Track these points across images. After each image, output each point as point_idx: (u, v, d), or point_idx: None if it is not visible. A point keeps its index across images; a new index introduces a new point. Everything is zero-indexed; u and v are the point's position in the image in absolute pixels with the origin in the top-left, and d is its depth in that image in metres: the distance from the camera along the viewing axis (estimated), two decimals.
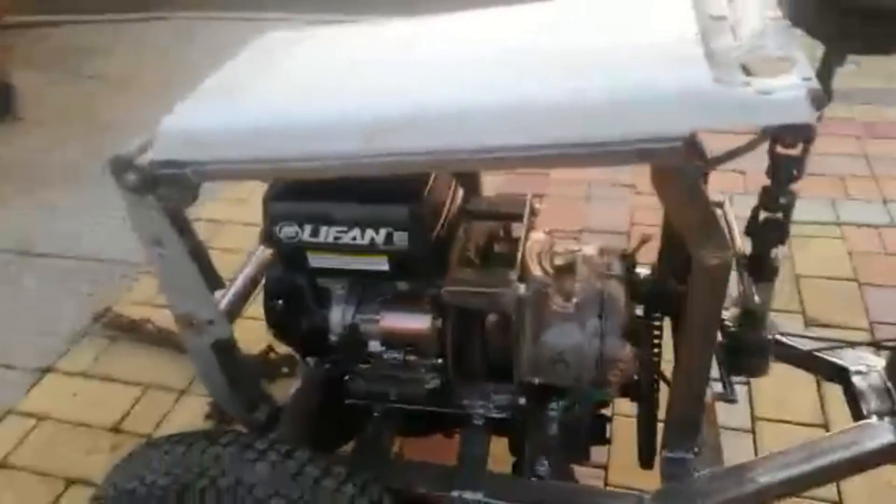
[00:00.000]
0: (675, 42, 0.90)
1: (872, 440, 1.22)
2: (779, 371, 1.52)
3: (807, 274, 2.23)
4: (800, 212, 2.67)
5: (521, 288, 1.09)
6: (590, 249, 1.28)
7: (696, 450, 1.19)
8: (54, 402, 1.93)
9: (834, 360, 1.36)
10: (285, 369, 1.92)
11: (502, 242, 1.26)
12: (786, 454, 1.22)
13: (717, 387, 1.26)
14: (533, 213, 1.28)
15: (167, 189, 0.98)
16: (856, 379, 1.32)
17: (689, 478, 1.17)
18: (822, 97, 0.81)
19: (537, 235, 1.25)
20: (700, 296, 1.03)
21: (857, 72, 3.78)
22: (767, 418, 1.77)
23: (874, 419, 1.24)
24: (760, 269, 1.13)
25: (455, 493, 1.16)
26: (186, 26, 4.73)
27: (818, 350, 1.37)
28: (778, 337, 1.37)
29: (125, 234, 2.75)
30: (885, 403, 1.26)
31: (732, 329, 1.21)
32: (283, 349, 1.88)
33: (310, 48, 1.11)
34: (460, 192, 1.30)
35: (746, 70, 0.87)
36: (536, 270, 1.17)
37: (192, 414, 1.87)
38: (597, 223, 2.56)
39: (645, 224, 2.52)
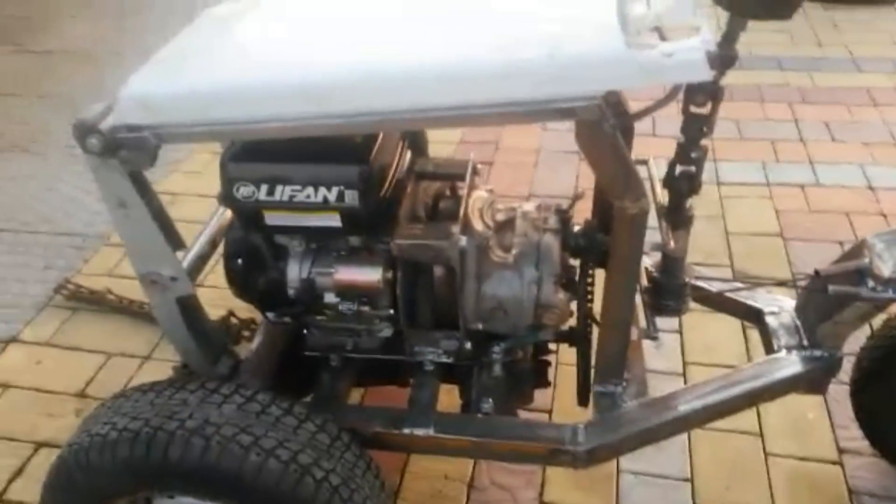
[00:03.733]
0: (594, 11, 1.00)
1: (781, 371, 1.36)
2: (707, 320, 1.66)
3: (736, 231, 2.38)
4: (732, 174, 2.85)
5: (463, 240, 1.19)
6: (528, 206, 1.38)
7: (623, 384, 1.32)
8: (19, 371, 1.97)
9: (750, 302, 1.50)
10: (246, 333, 2.00)
11: (447, 200, 1.36)
12: (704, 385, 1.36)
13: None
14: (475, 173, 1.37)
15: (128, 152, 1.04)
16: (769, 318, 1.46)
17: (618, 408, 1.30)
18: (717, 58, 0.91)
19: (480, 193, 1.34)
20: (621, 242, 1.14)
21: (789, 41, 3.95)
22: (697, 362, 1.92)
23: (783, 353, 1.39)
24: (677, 218, 1.25)
25: (406, 430, 1.27)
26: None
27: (734, 293, 1.51)
28: (697, 283, 1.51)
29: (76, 206, 2.76)
30: (794, 339, 1.41)
31: (655, 274, 1.33)
32: (243, 314, 1.95)
33: (260, 15, 1.18)
34: (408, 154, 1.39)
35: (656, 35, 0.98)
36: (478, 225, 1.27)
37: (155, 378, 1.93)
38: (544, 189, 2.67)
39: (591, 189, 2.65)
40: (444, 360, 1.34)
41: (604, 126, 1.00)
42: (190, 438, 1.04)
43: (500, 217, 1.34)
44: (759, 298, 1.51)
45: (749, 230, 2.39)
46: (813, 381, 1.39)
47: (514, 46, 0.97)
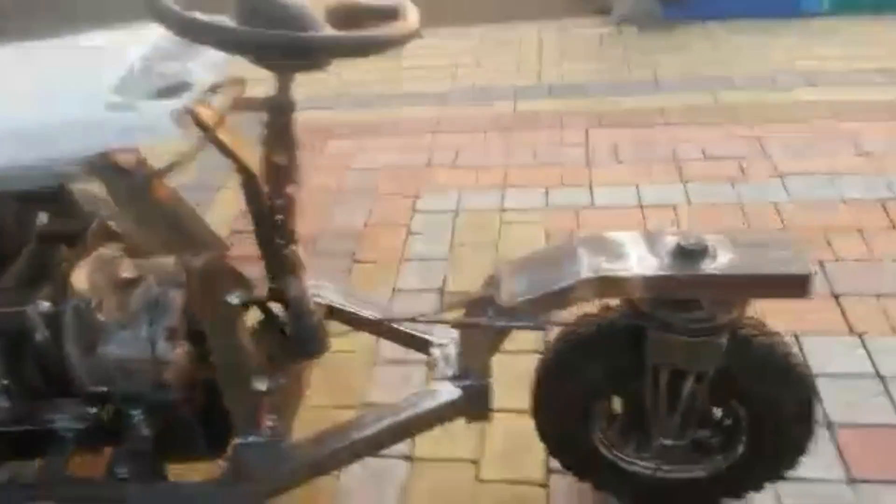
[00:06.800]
0: (97, 76, 1.00)
1: (433, 401, 1.38)
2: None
3: (506, 257, 2.42)
4: (516, 200, 2.89)
5: (45, 305, 1.16)
6: (165, 261, 1.36)
7: (265, 433, 1.31)
8: None
9: (418, 334, 1.52)
10: None
11: (63, 263, 1.32)
12: (354, 422, 1.37)
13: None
14: (96, 235, 1.35)
15: None
16: (434, 350, 1.48)
17: (257, 457, 1.28)
18: (185, 117, 0.91)
19: (102, 252, 1.32)
20: (198, 297, 1.14)
21: (599, 67, 4.02)
22: None
23: (437, 383, 1.40)
24: (280, 266, 1.25)
25: None
26: None
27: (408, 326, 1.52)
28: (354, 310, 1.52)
29: None
30: (451, 369, 1.42)
31: (283, 322, 1.33)
32: None
33: None
34: (35, 217, 1.36)
35: (155, 95, 0.98)
36: (83, 285, 1.24)
37: None
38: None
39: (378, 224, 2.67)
40: (76, 426, 1.30)
41: (135, 181, 1.00)
42: None
43: (128, 274, 1.32)
44: (434, 331, 1.53)
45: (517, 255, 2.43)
46: (469, 409, 1.41)
47: (7, 113, 0.96)
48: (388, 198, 2.85)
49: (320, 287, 1.59)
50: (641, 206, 2.64)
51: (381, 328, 1.54)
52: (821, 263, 2.17)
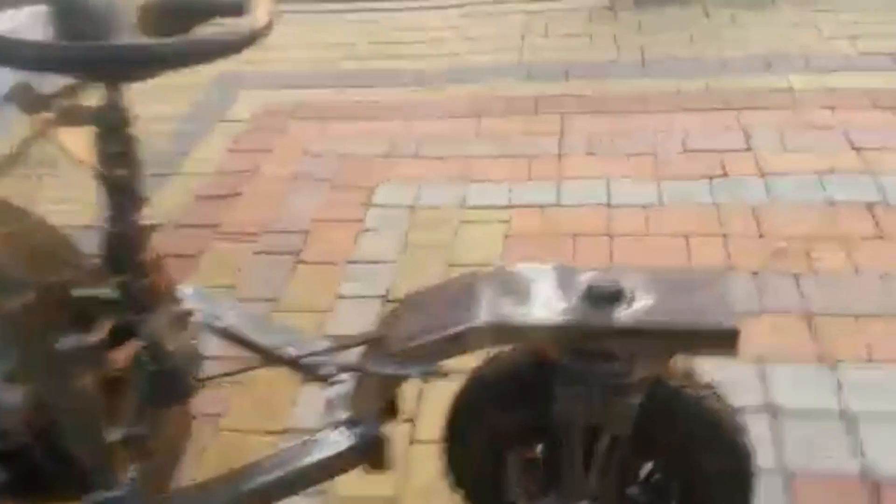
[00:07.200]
0: None
1: (323, 450, 1.21)
2: None
3: (458, 262, 2.24)
4: (479, 196, 2.68)
5: None
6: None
7: (123, 487, 1.15)
8: None
9: (318, 369, 1.35)
10: None
11: None
12: (236, 475, 1.21)
13: None
14: None
15: None
16: (334, 387, 1.31)
17: None
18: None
19: None
20: (19, 342, 0.97)
21: (587, 45, 3.77)
22: None
23: (328, 428, 1.24)
24: (137, 305, 1.08)
25: None
26: None
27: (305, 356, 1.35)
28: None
29: None
30: (346, 412, 1.26)
31: (147, 366, 1.16)
32: None
33: None
34: None
35: None
36: None
37: None
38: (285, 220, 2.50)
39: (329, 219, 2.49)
40: None
41: None
42: None
43: None
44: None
45: (471, 260, 2.24)
46: (363, 458, 1.24)
47: None
48: (343, 189, 2.66)
49: (221, 309, 1.44)
50: (609, 206, 2.43)
51: (279, 360, 1.37)
52: (796, 278, 1.98)
